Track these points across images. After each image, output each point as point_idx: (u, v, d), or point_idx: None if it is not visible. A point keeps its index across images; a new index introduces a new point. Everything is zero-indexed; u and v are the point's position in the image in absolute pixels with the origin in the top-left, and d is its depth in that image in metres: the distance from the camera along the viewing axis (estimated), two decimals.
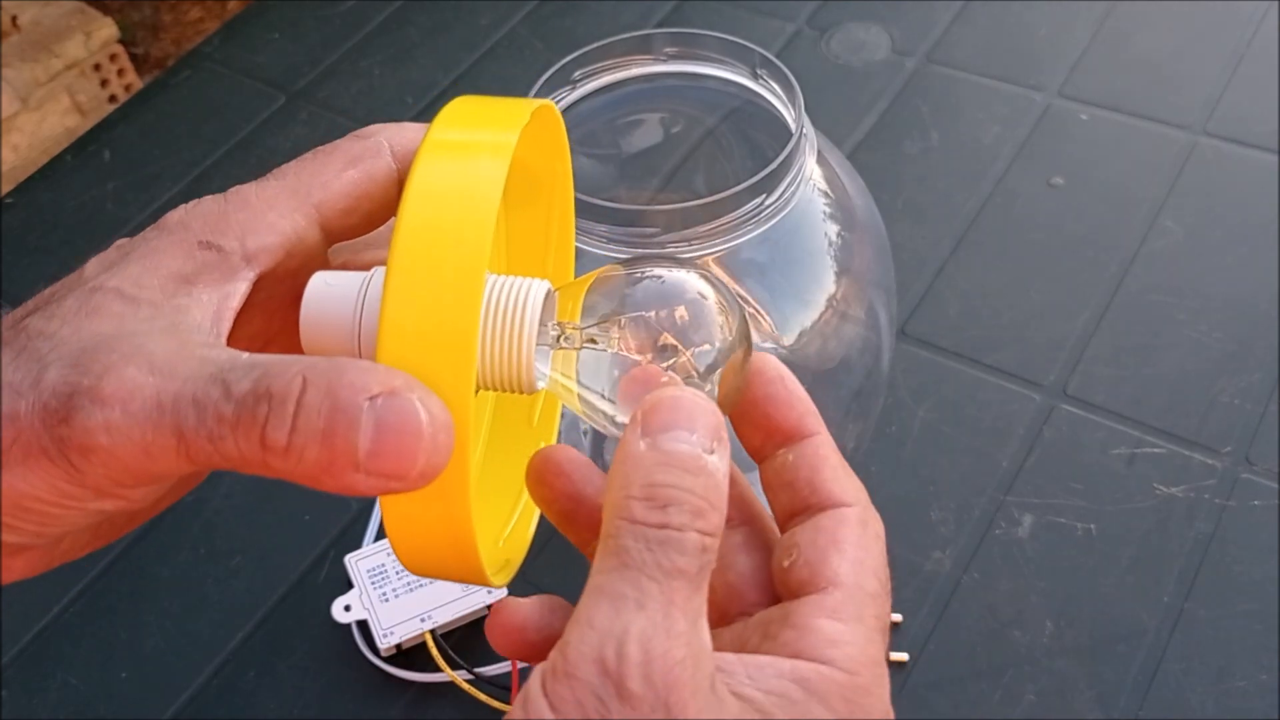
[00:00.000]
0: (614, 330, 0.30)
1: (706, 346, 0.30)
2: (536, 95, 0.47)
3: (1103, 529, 0.57)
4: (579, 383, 0.30)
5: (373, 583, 0.54)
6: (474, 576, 0.29)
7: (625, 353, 0.29)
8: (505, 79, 0.82)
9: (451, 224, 0.26)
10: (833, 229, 0.45)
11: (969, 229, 0.70)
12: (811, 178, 0.45)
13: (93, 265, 0.28)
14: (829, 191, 0.47)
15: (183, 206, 0.29)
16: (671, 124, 0.56)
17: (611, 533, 0.26)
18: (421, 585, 0.54)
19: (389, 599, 0.53)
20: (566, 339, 0.30)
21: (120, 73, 1.67)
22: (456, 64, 0.83)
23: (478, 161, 0.27)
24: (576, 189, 0.39)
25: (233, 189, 0.29)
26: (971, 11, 0.82)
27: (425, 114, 0.79)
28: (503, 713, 0.51)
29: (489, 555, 0.29)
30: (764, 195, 0.44)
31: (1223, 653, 0.52)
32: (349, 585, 0.54)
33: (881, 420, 0.61)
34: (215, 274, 0.28)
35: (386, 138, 0.30)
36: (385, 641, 0.53)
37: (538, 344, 0.29)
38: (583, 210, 0.44)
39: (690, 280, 0.30)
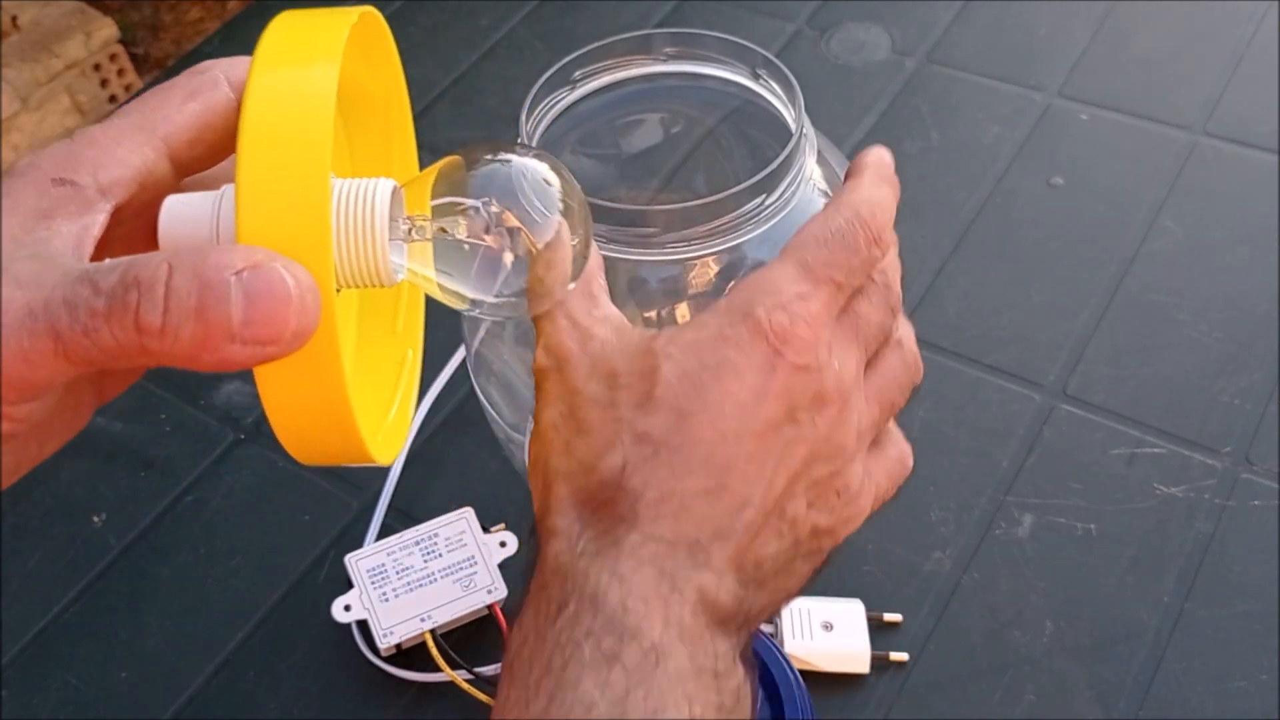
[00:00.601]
0: (461, 219, 0.31)
1: (549, 227, 0.32)
2: (537, 95, 0.47)
3: (1103, 529, 0.57)
4: (437, 270, 0.32)
5: (373, 583, 0.54)
6: (355, 450, 0.30)
7: (474, 238, 0.31)
8: (505, 79, 0.82)
9: (293, 113, 0.28)
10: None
11: (969, 229, 0.70)
12: (812, 178, 0.45)
13: None
14: (829, 191, 0.47)
15: (30, 152, 0.30)
16: (671, 124, 0.56)
17: None
18: (421, 585, 0.54)
19: (389, 599, 0.53)
20: (418, 230, 0.31)
21: (120, 73, 1.67)
22: (456, 64, 0.83)
23: (310, 60, 0.29)
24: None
25: (78, 130, 0.30)
26: (971, 11, 0.82)
27: (425, 114, 0.79)
28: None
29: (369, 434, 0.30)
30: (764, 195, 0.44)
31: (1223, 653, 0.52)
32: (349, 585, 0.54)
33: None
34: (72, 207, 0.29)
35: (222, 70, 0.31)
36: (385, 641, 0.53)
37: (390, 239, 0.30)
38: None
39: (531, 165, 0.32)
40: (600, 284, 0.36)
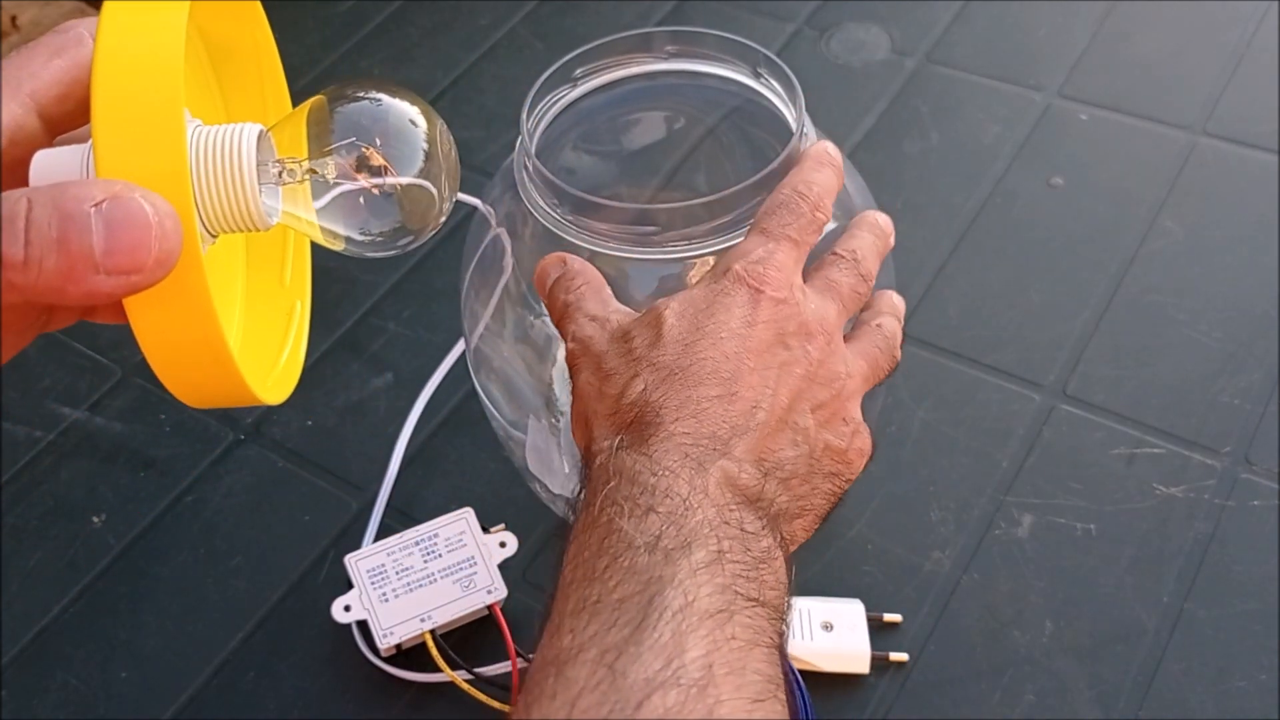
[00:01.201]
0: (330, 159, 0.32)
1: (412, 164, 0.33)
2: (538, 93, 0.47)
3: (1102, 529, 0.57)
4: (317, 213, 0.33)
5: (372, 583, 0.54)
6: (237, 388, 0.31)
7: (343, 177, 0.33)
8: (505, 79, 0.82)
9: (145, 48, 0.28)
10: (832, 228, 0.45)
11: (969, 229, 0.70)
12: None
13: None
14: None
15: None
16: (672, 122, 0.56)
17: None
18: (421, 585, 0.53)
19: (389, 599, 0.53)
20: (289, 173, 0.32)
21: None
22: (456, 64, 0.83)
23: (160, 3, 0.30)
24: (578, 186, 0.41)
25: None
26: (971, 11, 0.82)
27: None
28: (503, 713, 0.51)
29: (253, 375, 0.31)
30: (765, 194, 0.44)
31: (1223, 653, 0.52)
32: (349, 585, 0.54)
33: (881, 420, 0.61)
34: None
35: (85, 28, 0.32)
36: (385, 641, 0.52)
37: (261, 182, 0.31)
38: (584, 208, 0.44)
39: (398, 105, 0.34)
40: (609, 292, 0.43)
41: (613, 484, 0.36)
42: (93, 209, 0.26)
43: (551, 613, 0.35)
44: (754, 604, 0.35)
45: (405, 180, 0.33)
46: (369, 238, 0.34)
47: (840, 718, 0.52)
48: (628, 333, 0.40)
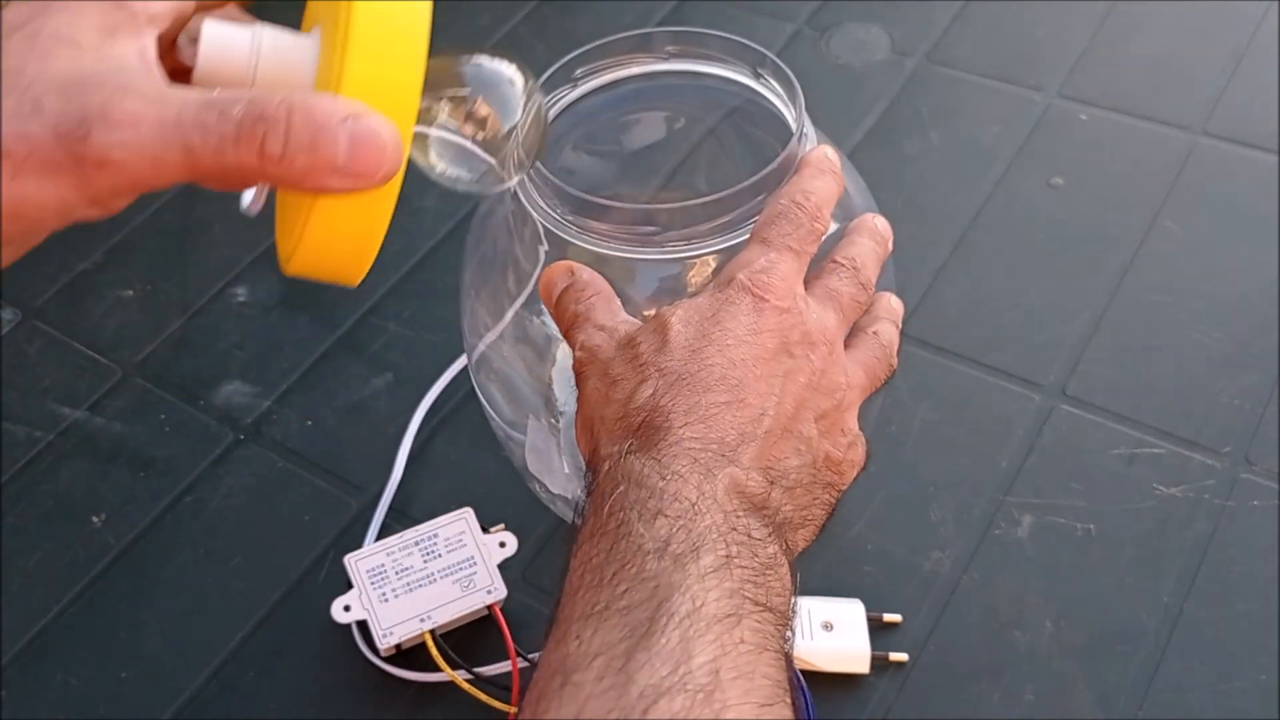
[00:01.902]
0: (451, 104, 0.39)
1: (508, 118, 0.40)
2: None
3: (1102, 529, 0.57)
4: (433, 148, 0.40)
5: (372, 583, 0.54)
6: (356, 274, 0.36)
7: (455, 126, 0.39)
8: None
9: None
10: (833, 228, 0.45)
11: (969, 229, 0.70)
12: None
13: (10, 16, 0.33)
14: None
15: None
16: (673, 122, 0.56)
17: None
18: (421, 585, 0.53)
19: (388, 599, 0.53)
20: (431, 113, 0.39)
21: None
22: None
23: None
24: (579, 186, 0.42)
25: None
26: (971, 11, 0.82)
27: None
28: (503, 713, 0.51)
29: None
30: (765, 194, 0.44)
31: (1223, 653, 0.52)
32: (349, 585, 0.54)
33: (881, 420, 0.61)
34: (130, 28, 0.33)
35: None
36: (385, 641, 0.53)
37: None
38: (584, 208, 0.44)
39: (502, 66, 0.40)
40: (618, 303, 0.44)
41: (621, 489, 0.36)
42: (340, 123, 0.32)
43: (558, 617, 0.35)
44: (761, 609, 0.35)
45: (508, 125, 0.40)
46: (460, 176, 0.41)
47: (840, 718, 0.52)
48: (634, 339, 0.40)
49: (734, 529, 0.36)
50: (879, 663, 0.53)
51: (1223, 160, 0.71)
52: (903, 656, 0.53)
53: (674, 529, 0.35)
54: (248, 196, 0.36)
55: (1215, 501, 0.57)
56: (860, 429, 0.44)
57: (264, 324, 0.70)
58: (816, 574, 0.56)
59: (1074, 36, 0.80)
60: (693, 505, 0.36)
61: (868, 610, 0.53)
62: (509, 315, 0.50)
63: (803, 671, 0.51)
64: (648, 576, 0.34)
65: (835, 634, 0.52)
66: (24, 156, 0.30)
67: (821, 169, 0.44)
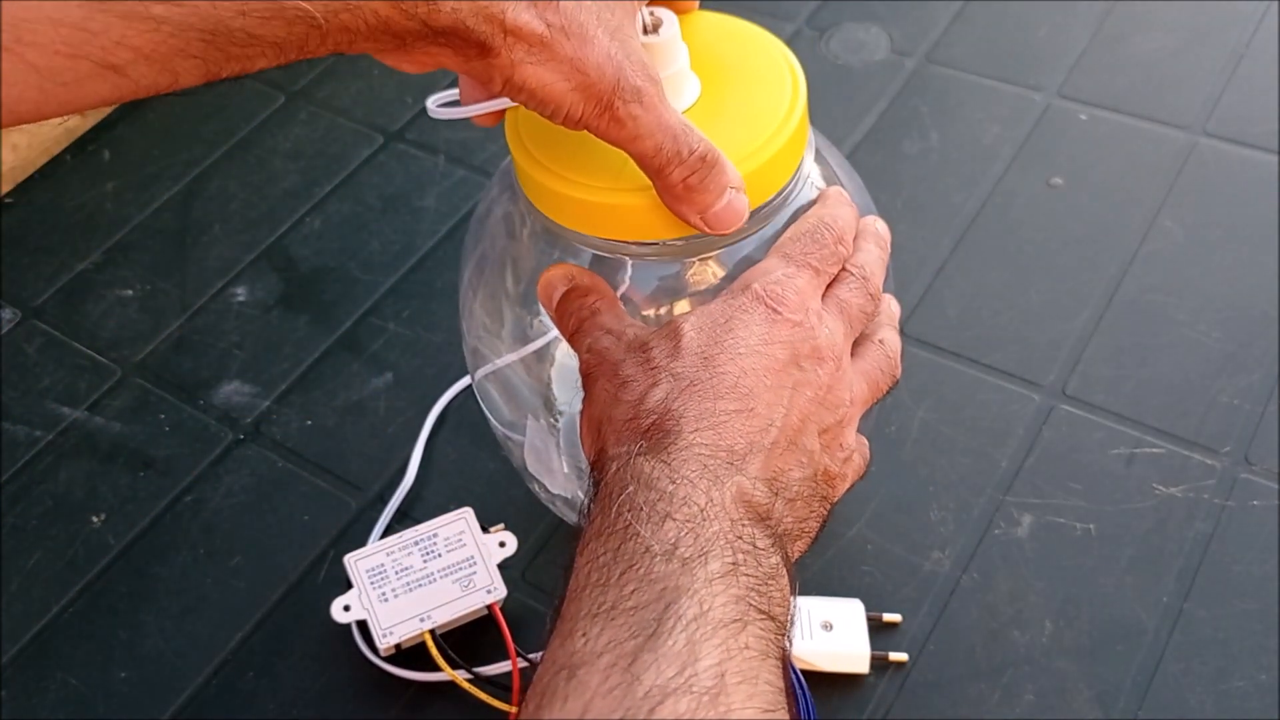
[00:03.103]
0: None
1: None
2: None
3: (1102, 529, 0.57)
4: None
5: (372, 583, 0.54)
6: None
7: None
8: None
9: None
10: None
11: (968, 229, 0.70)
12: (810, 177, 0.46)
13: None
14: None
15: None
16: None
17: None
18: (421, 585, 0.53)
19: (388, 599, 0.53)
20: None
21: None
22: None
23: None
24: None
25: None
26: (971, 11, 0.82)
27: (425, 114, 0.79)
28: (503, 713, 0.51)
29: None
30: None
31: (1222, 653, 0.52)
32: (348, 585, 0.54)
33: (881, 420, 0.61)
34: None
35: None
36: (384, 641, 0.53)
37: None
38: None
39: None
40: (621, 307, 0.44)
41: (630, 489, 0.37)
42: (729, 189, 0.40)
43: (563, 614, 0.35)
44: (764, 617, 0.35)
45: None
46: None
47: (840, 718, 0.52)
48: (645, 344, 0.41)
49: (740, 537, 0.36)
50: (879, 663, 0.53)
51: (1222, 160, 0.71)
52: (902, 656, 0.53)
53: (682, 533, 0.35)
54: (472, 109, 0.41)
55: (1215, 501, 0.57)
56: (859, 430, 0.44)
57: (263, 324, 0.70)
58: (816, 574, 0.56)
59: (1074, 36, 0.80)
60: (701, 511, 0.36)
61: (867, 610, 0.53)
62: (506, 314, 0.50)
63: (803, 672, 0.51)
64: (655, 578, 0.34)
65: (835, 634, 0.52)
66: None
67: (844, 201, 0.45)
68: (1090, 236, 0.69)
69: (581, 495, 0.55)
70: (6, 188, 0.78)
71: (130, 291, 0.72)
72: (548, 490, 0.55)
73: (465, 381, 0.64)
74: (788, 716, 0.34)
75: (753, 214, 0.42)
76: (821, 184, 0.46)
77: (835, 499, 0.43)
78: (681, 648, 0.33)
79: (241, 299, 0.71)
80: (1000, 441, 0.60)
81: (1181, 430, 0.60)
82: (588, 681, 0.32)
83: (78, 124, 0.81)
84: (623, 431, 0.39)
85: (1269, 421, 0.59)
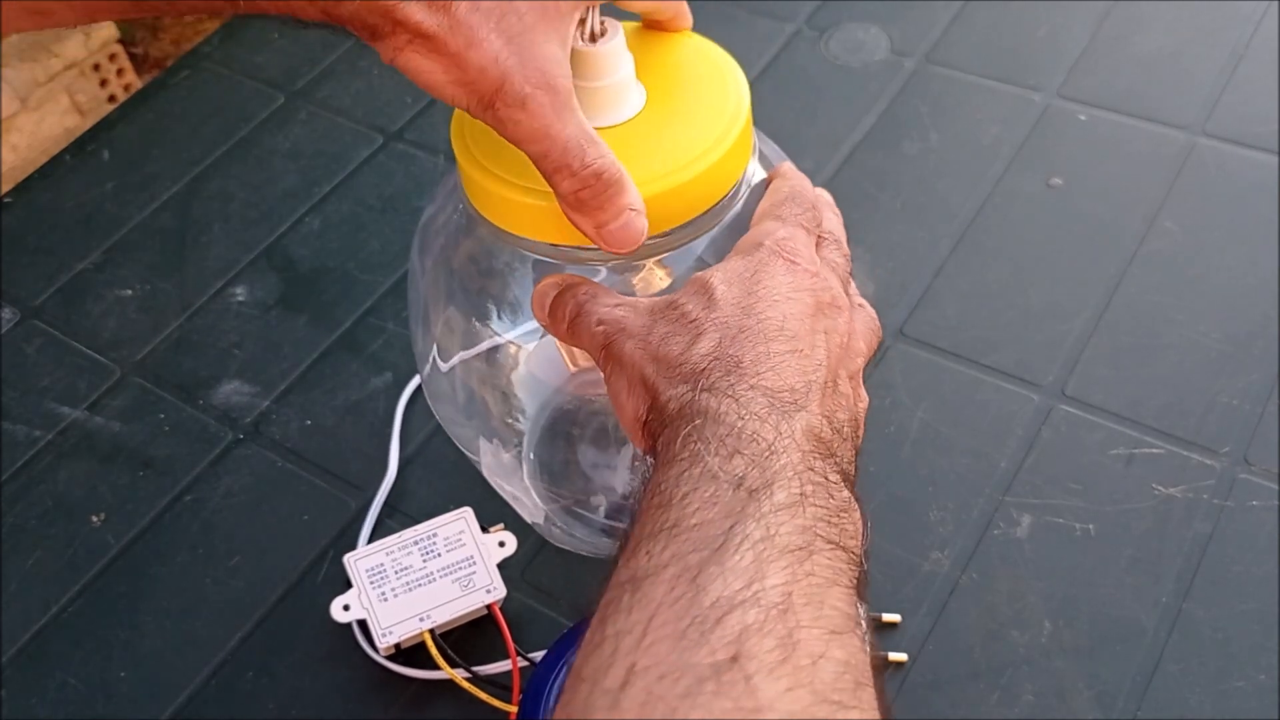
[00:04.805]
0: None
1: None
2: None
3: (1101, 529, 0.57)
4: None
5: (371, 582, 0.54)
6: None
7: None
8: None
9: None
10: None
11: (968, 229, 0.70)
12: (753, 179, 0.46)
13: None
14: None
15: None
16: None
17: None
18: (420, 585, 0.54)
19: (388, 598, 0.53)
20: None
21: (120, 73, 1.67)
22: None
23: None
24: None
25: None
26: (970, 12, 0.82)
27: (424, 114, 0.80)
28: (503, 713, 0.51)
29: None
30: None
31: (1222, 653, 0.52)
32: (348, 585, 0.54)
33: (880, 420, 0.61)
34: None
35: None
36: (384, 641, 0.53)
37: None
38: None
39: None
40: (615, 291, 0.43)
41: (697, 422, 0.37)
42: (628, 210, 0.39)
43: (629, 536, 0.35)
44: (833, 546, 0.35)
45: None
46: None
47: None
48: (674, 302, 0.40)
49: (810, 468, 0.36)
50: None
51: (1222, 160, 0.72)
52: (902, 656, 0.53)
53: (749, 467, 0.35)
54: None
55: (1214, 501, 0.57)
56: None
57: (263, 324, 0.70)
58: None
59: (1073, 36, 0.80)
60: (769, 445, 0.36)
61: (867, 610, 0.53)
62: (457, 325, 0.50)
63: None
64: (721, 502, 0.34)
65: None
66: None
67: (799, 173, 0.46)
68: (1090, 237, 0.69)
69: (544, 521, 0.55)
70: (6, 188, 0.78)
71: (130, 291, 0.72)
72: (507, 489, 0.55)
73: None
74: (859, 640, 0.33)
75: (695, 220, 0.42)
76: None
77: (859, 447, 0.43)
78: (749, 564, 0.33)
79: (241, 299, 0.71)
80: (999, 442, 0.60)
81: (1181, 430, 0.60)
82: (652, 593, 0.32)
83: (77, 124, 0.81)
84: (673, 376, 0.39)
85: (1268, 422, 0.59)
